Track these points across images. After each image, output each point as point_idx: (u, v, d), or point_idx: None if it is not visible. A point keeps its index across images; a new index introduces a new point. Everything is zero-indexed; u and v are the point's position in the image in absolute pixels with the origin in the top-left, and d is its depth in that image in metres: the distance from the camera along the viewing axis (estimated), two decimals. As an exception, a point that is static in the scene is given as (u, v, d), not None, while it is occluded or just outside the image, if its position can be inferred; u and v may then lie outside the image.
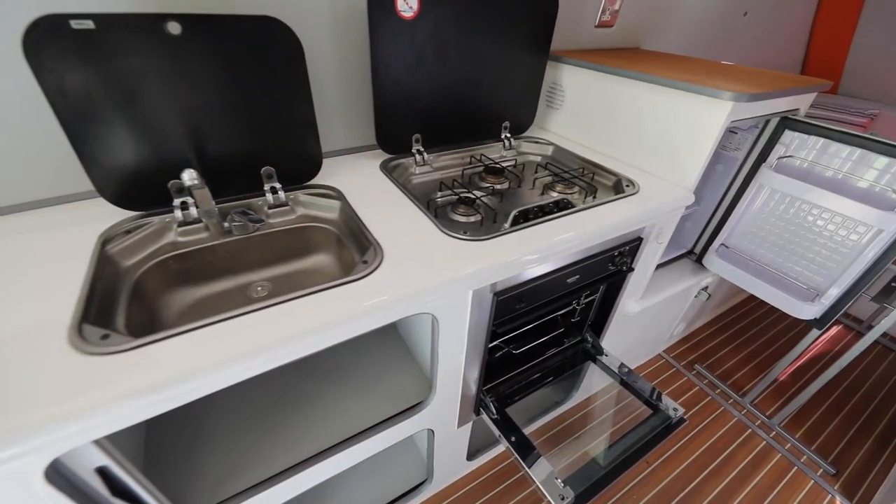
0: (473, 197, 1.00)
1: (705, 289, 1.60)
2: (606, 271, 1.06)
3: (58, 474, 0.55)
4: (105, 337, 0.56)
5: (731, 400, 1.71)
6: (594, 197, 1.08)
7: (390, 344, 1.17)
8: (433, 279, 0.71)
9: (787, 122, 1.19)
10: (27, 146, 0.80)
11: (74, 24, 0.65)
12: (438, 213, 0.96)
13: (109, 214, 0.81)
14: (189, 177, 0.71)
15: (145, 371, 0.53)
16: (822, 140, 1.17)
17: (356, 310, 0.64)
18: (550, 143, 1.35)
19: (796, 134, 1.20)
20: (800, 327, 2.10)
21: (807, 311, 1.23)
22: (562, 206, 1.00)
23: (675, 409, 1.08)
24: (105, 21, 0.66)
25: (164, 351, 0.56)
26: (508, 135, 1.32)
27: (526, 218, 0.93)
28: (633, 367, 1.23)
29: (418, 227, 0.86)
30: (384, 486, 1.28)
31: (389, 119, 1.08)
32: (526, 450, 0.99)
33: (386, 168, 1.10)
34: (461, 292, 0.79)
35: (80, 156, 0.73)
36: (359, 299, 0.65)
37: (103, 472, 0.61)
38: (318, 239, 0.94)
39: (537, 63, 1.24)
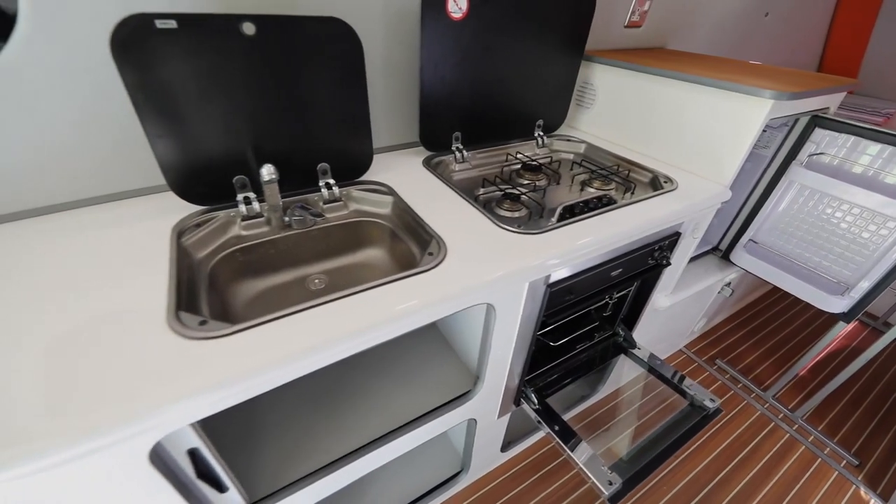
0: (518, 193, 1.02)
1: (728, 284, 1.63)
2: (646, 265, 1.09)
3: (158, 456, 0.57)
4: (203, 323, 0.58)
5: (754, 394, 1.74)
6: (632, 193, 1.10)
7: (429, 338, 1.20)
8: (498, 270, 0.74)
9: (818, 120, 1.21)
10: (104, 142, 0.82)
11: (159, 23, 0.67)
12: (485, 208, 0.99)
13: (175, 209, 0.84)
14: (268, 172, 0.73)
15: (245, 356, 0.55)
16: (852, 138, 1.20)
17: (433, 297, 0.66)
18: (583, 142, 1.37)
19: (826, 132, 1.23)
20: (819, 322, 2.13)
21: (836, 304, 1.26)
22: (604, 203, 1.03)
23: (713, 400, 1.11)
24: (187, 21, 0.68)
25: (256, 337, 0.58)
26: (542, 133, 1.34)
27: (572, 213, 0.96)
28: (658, 362, 1.26)
29: (472, 220, 0.88)
30: (417, 478, 1.30)
31: (433, 117, 1.10)
32: (570, 438, 1.02)
33: (429, 164, 1.13)
34: (519, 283, 0.82)
35: (156, 151, 0.75)
36: (435, 288, 0.68)
37: (193, 454, 0.63)
38: (372, 233, 0.97)
39: (572, 62, 1.27)
